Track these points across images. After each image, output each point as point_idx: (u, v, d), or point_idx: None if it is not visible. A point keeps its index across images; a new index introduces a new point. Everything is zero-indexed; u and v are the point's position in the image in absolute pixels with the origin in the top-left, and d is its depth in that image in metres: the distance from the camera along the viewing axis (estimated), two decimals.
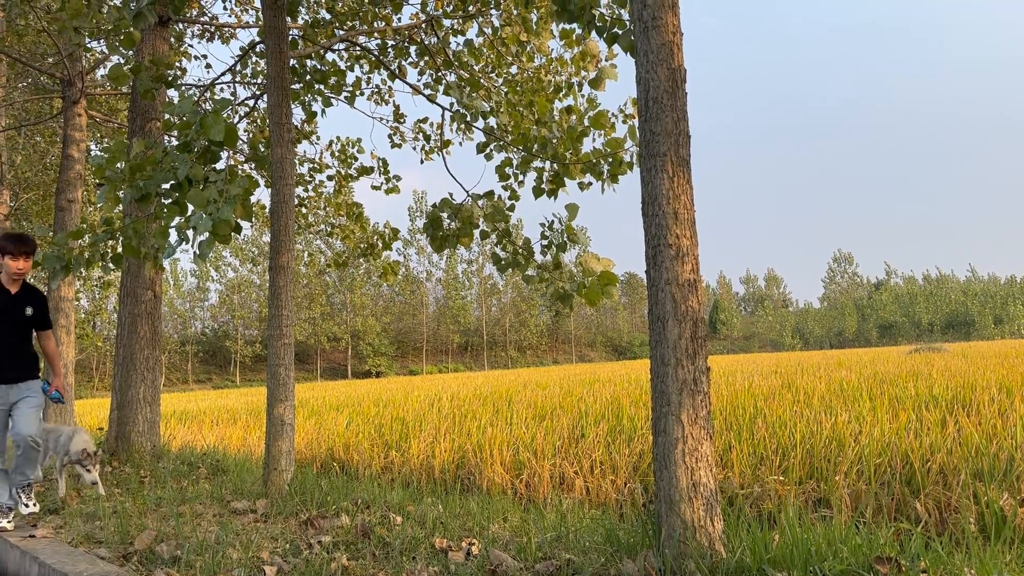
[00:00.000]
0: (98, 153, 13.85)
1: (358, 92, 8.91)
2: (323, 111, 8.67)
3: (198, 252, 4.55)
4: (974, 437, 5.08)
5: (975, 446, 4.92)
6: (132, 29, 5.37)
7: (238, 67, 9.41)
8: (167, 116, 7.46)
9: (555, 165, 6.61)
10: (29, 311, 4.70)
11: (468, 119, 7.14)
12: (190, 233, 4.69)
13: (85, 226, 5.51)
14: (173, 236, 4.95)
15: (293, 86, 7.89)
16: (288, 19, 5.75)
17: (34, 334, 4.95)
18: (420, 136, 10.11)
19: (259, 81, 9.80)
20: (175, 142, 5.51)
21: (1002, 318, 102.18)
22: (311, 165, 10.77)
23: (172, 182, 4.78)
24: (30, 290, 4.76)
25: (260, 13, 8.63)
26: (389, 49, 8.58)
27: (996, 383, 8.97)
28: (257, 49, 9.04)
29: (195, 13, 9.85)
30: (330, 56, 8.68)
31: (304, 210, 11.23)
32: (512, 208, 6.45)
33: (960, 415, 6.37)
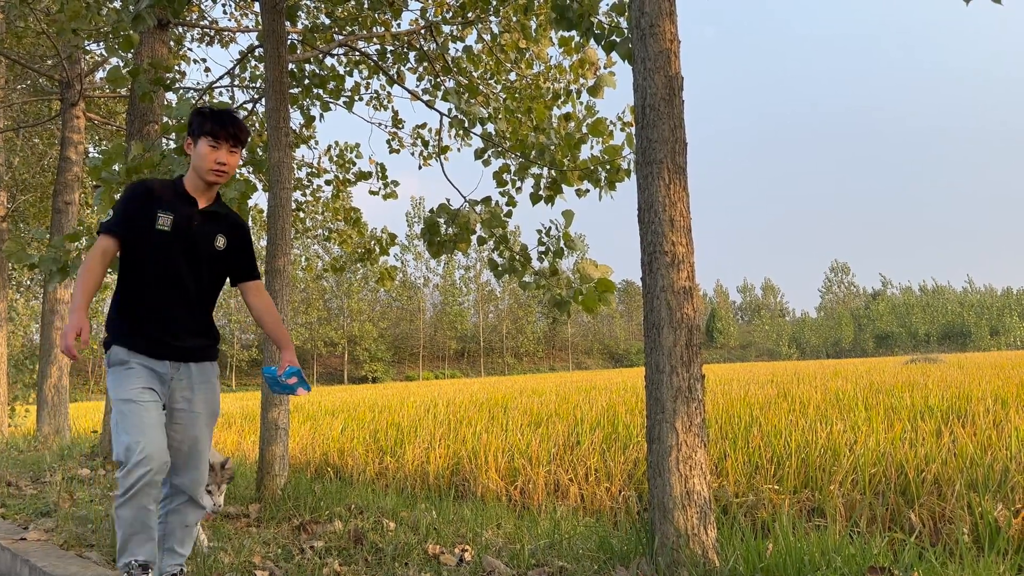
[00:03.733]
0: (96, 155, 13.84)
1: (357, 97, 8.92)
2: (321, 116, 8.67)
3: None
4: (969, 448, 5.08)
5: (970, 457, 4.91)
6: (131, 32, 5.37)
7: (237, 71, 9.42)
8: (165, 119, 7.46)
9: (553, 172, 6.61)
10: (221, 242, 2.96)
11: (466, 125, 7.15)
12: None
13: (82, 228, 5.51)
14: None
15: (292, 90, 7.89)
16: (287, 23, 5.76)
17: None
18: (418, 141, 10.13)
19: (258, 85, 9.81)
20: (173, 145, 5.51)
21: (998, 329, 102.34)
22: (309, 169, 10.77)
23: None
24: (226, 212, 3.04)
25: (259, 17, 8.64)
26: (388, 54, 8.59)
27: (992, 394, 8.97)
28: (256, 53, 9.05)
29: (194, 16, 9.86)
30: (329, 61, 8.69)
31: (302, 214, 11.23)
32: (509, 214, 6.46)
33: (955, 426, 6.36)
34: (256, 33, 10.09)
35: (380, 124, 9.91)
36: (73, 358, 2.66)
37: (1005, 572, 2.75)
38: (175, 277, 2.86)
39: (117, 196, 4.88)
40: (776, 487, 4.96)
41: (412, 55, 8.60)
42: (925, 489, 4.59)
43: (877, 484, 4.82)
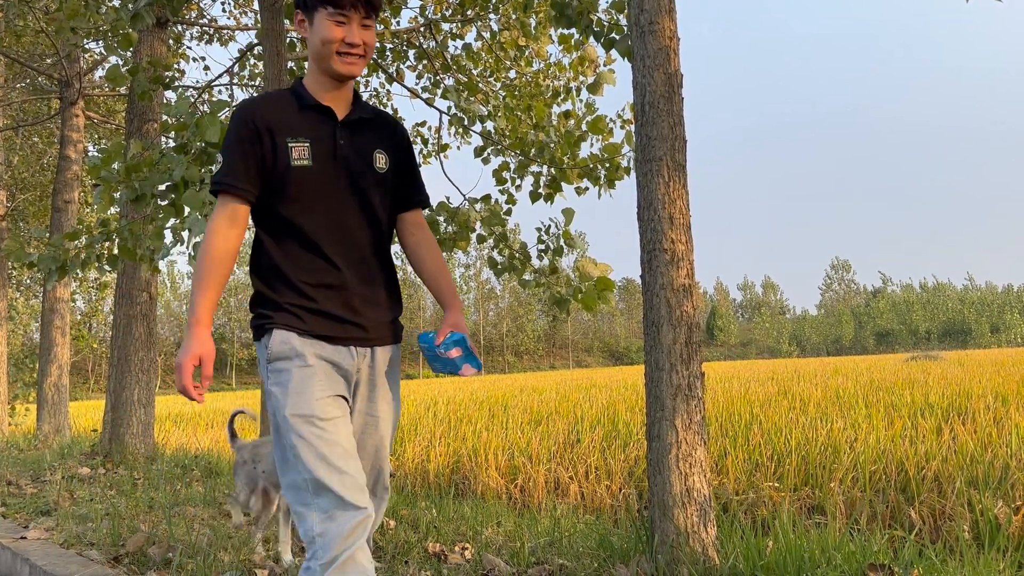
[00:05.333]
0: (95, 154, 13.84)
1: None
2: None
3: (193, 254, 4.54)
4: (969, 445, 5.08)
5: (970, 454, 4.91)
6: (130, 30, 5.37)
7: (236, 69, 9.41)
8: (164, 117, 7.46)
9: (552, 170, 6.61)
10: (383, 161, 2.11)
11: (466, 123, 7.15)
12: (185, 235, 4.68)
13: (82, 227, 5.50)
14: (168, 237, 4.95)
15: None
16: (286, 22, 5.75)
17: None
18: (418, 139, 10.11)
19: (257, 83, 9.80)
20: (172, 143, 5.51)
21: (999, 327, 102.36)
22: None
23: (168, 183, 4.77)
24: (374, 115, 2.15)
25: (258, 15, 8.62)
26: (387, 52, 8.58)
27: (992, 391, 8.97)
28: (255, 51, 9.05)
29: (194, 15, 9.86)
30: None
31: None
32: (509, 212, 6.45)
33: (956, 423, 6.37)
34: (255, 31, 10.07)
35: None
36: (194, 399, 1.85)
37: (1005, 569, 2.74)
38: (336, 228, 2.00)
39: (116, 195, 4.87)
40: (776, 485, 4.96)
41: (411, 53, 8.60)
42: (925, 486, 4.59)
43: (877, 481, 4.82)
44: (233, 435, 3.80)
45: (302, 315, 1.96)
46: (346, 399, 1.98)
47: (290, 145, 2.00)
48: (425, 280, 2.23)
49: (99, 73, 13.44)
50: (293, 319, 1.95)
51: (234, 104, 9.80)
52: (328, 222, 2.01)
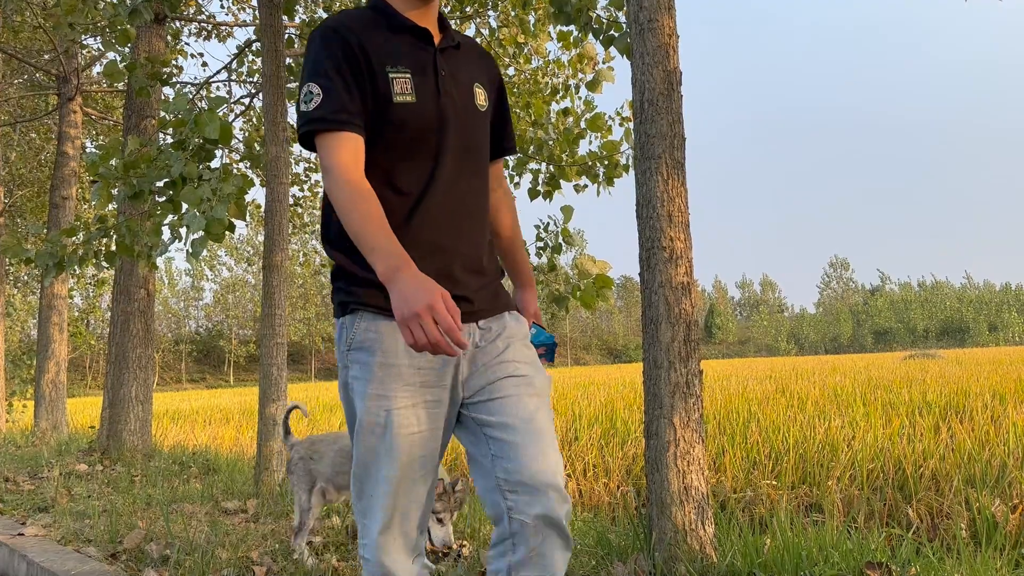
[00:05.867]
0: (93, 150, 13.82)
1: None
2: None
3: (191, 250, 4.53)
4: (967, 443, 5.08)
5: (968, 452, 4.92)
6: (127, 26, 5.35)
7: (234, 65, 9.39)
8: (162, 114, 7.44)
9: (551, 167, 6.60)
10: (483, 97, 1.76)
11: None
12: (183, 231, 4.67)
13: (79, 223, 5.50)
14: (166, 234, 4.94)
15: (289, 85, 7.87)
16: (284, 18, 5.74)
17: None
18: None
19: (255, 80, 9.78)
20: (170, 140, 5.50)
21: (997, 325, 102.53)
22: (307, 164, 10.75)
23: (166, 180, 4.76)
24: (462, 40, 1.79)
25: (257, 12, 8.60)
26: None
27: (989, 390, 8.98)
28: (253, 47, 9.03)
29: (192, 11, 9.84)
30: None
31: (299, 209, 11.21)
32: None
33: (953, 421, 6.37)
34: (253, 28, 10.05)
35: None
36: (462, 345, 1.36)
37: (1002, 567, 2.75)
38: (439, 179, 1.63)
39: (114, 191, 4.86)
40: (774, 483, 4.96)
41: None
42: (923, 485, 4.59)
43: (875, 480, 4.82)
44: (287, 431, 3.55)
45: None
46: (438, 399, 1.59)
47: (391, 76, 1.60)
48: (499, 248, 1.89)
49: (97, 69, 13.41)
50: (382, 297, 1.56)
51: (232, 100, 9.79)
52: (430, 172, 1.63)
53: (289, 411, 3.60)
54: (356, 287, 1.60)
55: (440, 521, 2.77)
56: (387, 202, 1.60)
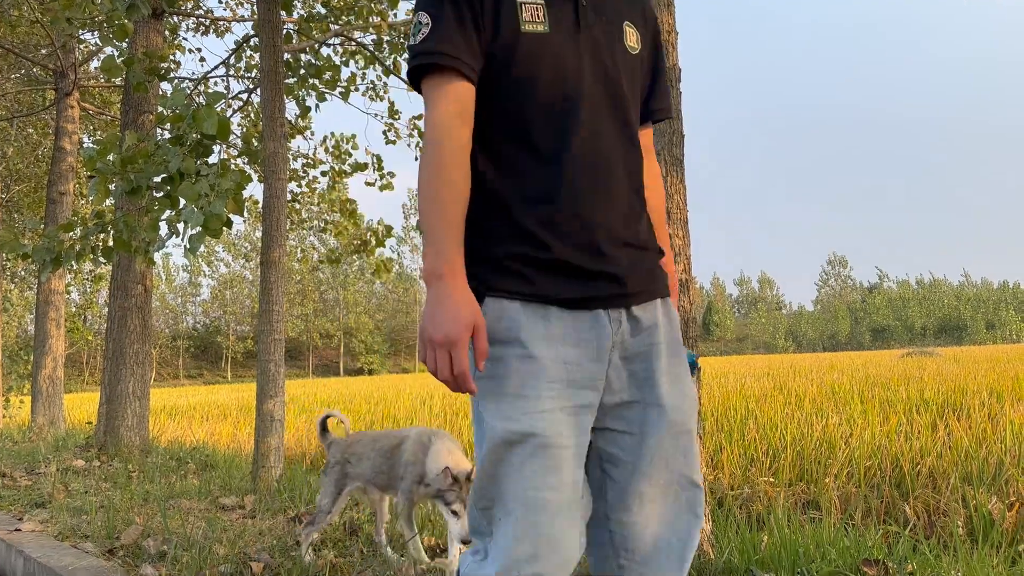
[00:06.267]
0: (90, 145, 13.79)
1: (353, 88, 8.89)
2: (317, 106, 8.64)
3: (189, 246, 4.53)
4: (964, 441, 5.09)
5: (965, 450, 4.92)
6: (125, 21, 5.34)
7: (232, 60, 9.37)
8: (160, 109, 7.42)
9: None
10: (634, 40, 1.44)
11: None
12: (181, 227, 4.66)
13: (76, 219, 5.48)
14: (164, 230, 4.93)
15: (287, 80, 7.86)
16: (283, 13, 5.73)
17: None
18: (415, 132, 10.10)
19: (253, 75, 9.76)
20: (168, 135, 5.49)
21: (994, 323, 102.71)
22: (305, 160, 10.74)
23: (164, 175, 4.75)
24: None
25: (255, 7, 8.59)
26: (385, 45, 8.56)
27: (987, 388, 9.00)
28: (251, 43, 9.01)
29: (190, 6, 9.81)
30: (325, 51, 8.64)
31: (297, 205, 11.20)
32: None
33: (951, 419, 6.38)
34: (252, 23, 10.04)
35: (376, 115, 9.88)
36: (470, 390, 1.24)
37: (999, 565, 2.75)
38: (581, 129, 1.35)
39: (111, 186, 4.85)
40: (771, 480, 4.97)
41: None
42: (920, 482, 4.60)
43: (872, 477, 4.83)
44: (324, 430, 3.34)
45: (527, 272, 1.31)
46: (589, 401, 1.32)
47: (518, 0, 1.33)
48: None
49: (94, 64, 13.38)
50: (515, 280, 1.30)
51: (230, 96, 9.76)
52: (569, 120, 1.34)
53: (325, 419, 3.42)
54: (484, 268, 1.33)
55: (455, 514, 2.60)
56: (515, 165, 1.34)
